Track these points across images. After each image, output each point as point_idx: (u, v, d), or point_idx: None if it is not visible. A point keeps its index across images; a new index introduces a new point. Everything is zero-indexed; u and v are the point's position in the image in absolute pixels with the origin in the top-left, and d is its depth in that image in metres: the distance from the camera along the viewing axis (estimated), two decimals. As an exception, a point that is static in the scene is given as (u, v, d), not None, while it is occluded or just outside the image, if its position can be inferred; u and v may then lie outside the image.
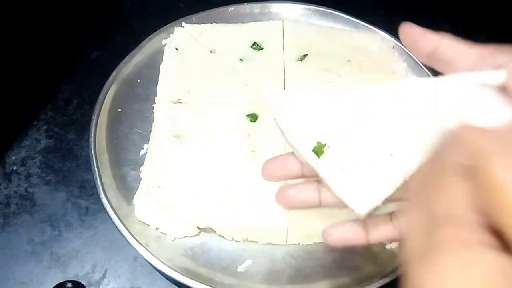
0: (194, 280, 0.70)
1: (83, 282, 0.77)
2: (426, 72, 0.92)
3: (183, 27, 0.97)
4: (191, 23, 0.98)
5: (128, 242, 0.73)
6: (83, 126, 0.92)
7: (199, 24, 0.98)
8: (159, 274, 0.78)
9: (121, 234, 0.74)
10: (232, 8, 1.00)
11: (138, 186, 0.80)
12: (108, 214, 0.76)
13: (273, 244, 0.78)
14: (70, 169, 0.89)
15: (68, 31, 1.07)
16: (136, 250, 0.73)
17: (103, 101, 0.87)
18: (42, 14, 1.09)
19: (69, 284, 0.76)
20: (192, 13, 1.00)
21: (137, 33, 0.99)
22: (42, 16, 1.09)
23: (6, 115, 0.94)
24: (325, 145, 0.58)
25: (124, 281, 0.78)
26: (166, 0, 1.13)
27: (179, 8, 1.08)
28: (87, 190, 0.86)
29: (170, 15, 0.99)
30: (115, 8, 1.14)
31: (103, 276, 0.79)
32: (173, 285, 0.78)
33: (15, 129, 0.93)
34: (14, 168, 0.89)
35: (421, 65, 0.93)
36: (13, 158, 0.90)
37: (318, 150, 0.58)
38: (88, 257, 0.80)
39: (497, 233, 0.39)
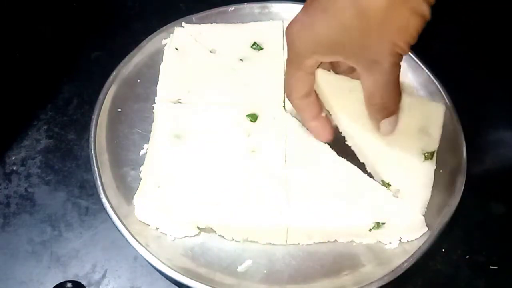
0: (194, 280, 0.71)
1: (83, 282, 0.77)
2: (427, 73, 0.93)
3: (183, 27, 0.97)
4: (191, 23, 0.98)
5: (128, 242, 0.74)
6: (83, 126, 0.92)
7: (199, 24, 0.98)
8: (159, 274, 0.78)
9: (121, 234, 0.74)
10: (232, 8, 1.01)
11: (138, 186, 0.80)
12: (108, 214, 0.76)
13: (273, 244, 0.78)
14: (70, 169, 0.89)
15: (68, 31, 1.07)
16: (136, 250, 0.73)
17: (103, 101, 0.88)
18: (42, 14, 1.09)
19: (69, 284, 0.76)
20: (192, 13, 1.00)
21: (137, 33, 1.00)
22: (42, 16, 1.09)
23: (6, 115, 0.94)
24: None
25: (124, 281, 0.78)
26: (166, 0, 1.13)
27: (179, 8, 1.08)
28: (87, 190, 0.86)
29: (170, 15, 0.99)
30: (115, 8, 1.14)
31: (103, 276, 0.79)
32: (173, 285, 0.78)
33: (15, 129, 0.93)
34: (14, 168, 0.89)
35: (421, 65, 0.93)
36: (13, 158, 0.90)
37: None
38: (88, 257, 0.80)
39: None
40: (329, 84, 0.79)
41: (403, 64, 0.94)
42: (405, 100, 0.83)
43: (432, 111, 0.85)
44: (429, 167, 0.81)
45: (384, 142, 0.80)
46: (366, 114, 0.78)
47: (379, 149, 0.80)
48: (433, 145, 0.82)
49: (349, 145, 0.81)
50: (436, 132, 0.84)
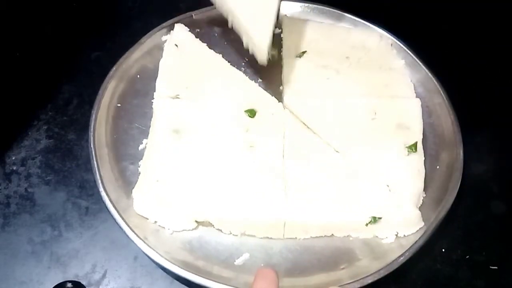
0: (192, 273, 0.75)
1: (83, 282, 0.82)
2: (424, 69, 0.99)
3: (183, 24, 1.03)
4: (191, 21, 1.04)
5: (127, 235, 0.78)
6: (83, 126, 0.96)
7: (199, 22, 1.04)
8: (159, 274, 0.83)
9: (120, 227, 0.79)
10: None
11: (137, 180, 0.85)
12: (107, 208, 0.81)
13: (270, 238, 0.83)
14: (70, 169, 0.93)
15: (68, 31, 1.12)
16: (134, 243, 0.78)
17: (103, 96, 0.92)
18: (42, 14, 1.14)
19: (69, 284, 0.81)
20: (192, 13, 1.05)
21: (137, 33, 1.04)
22: (42, 16, 1.14)
23: (6, 115, 0.98)
24: None
25: (124, 281, 0.83)
26: (166, 0, 1.18)
27: (179, 8, 1.12)
28: (87, 190, 0.91)
29: (170, 15, 1.05)
30: (115, 8, 1.19)
31: (103, 276, 0.83)
32: (173, 284, 0.82)
33: (15, 129, 0.97)
34: (14, 168, 0.93)
35: (419, 62, 0.99)
36: (13, 158, 0.94)
37: None
38: (88, 257, 0.84)
39: None
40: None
41: (401, 61, 1.00)
42: (377, 101, 0.91)
43: (408, 106, 0.92)
44: (416, 159, 0.87)
45: (364, 145, 0.87)
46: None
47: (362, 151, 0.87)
48: (415, 138, 0.88)
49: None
50: (416, 125, 0.90)
